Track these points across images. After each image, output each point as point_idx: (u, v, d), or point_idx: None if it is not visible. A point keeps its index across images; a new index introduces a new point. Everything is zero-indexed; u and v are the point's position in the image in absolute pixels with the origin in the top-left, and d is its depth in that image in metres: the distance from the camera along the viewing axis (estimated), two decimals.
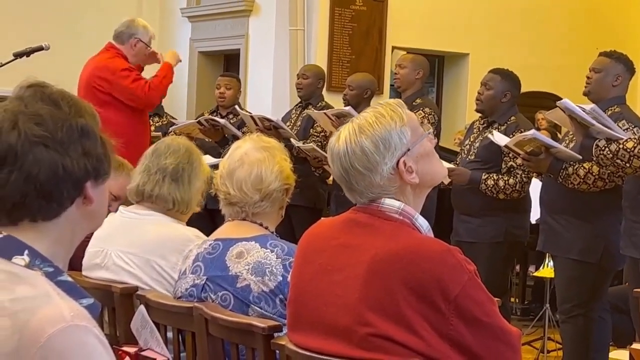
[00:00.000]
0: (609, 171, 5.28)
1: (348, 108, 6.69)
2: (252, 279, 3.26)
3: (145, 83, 6.93)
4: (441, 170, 2.78)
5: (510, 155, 5.88)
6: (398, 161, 2.62)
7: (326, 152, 6.94)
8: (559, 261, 5.68)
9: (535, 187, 6.08)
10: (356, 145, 2.61)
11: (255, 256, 3.28)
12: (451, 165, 6.05)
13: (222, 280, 3.30)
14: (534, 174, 5.85)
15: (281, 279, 3.24)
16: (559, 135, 8.62)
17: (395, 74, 7.10)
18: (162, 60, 7.23)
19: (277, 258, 3.28)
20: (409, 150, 2.63)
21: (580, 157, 5.33)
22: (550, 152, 5.44)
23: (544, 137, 5.53)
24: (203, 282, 3.34)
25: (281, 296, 3.22)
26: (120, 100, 6.89)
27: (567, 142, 5.61)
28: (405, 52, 8.86)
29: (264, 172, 3.39)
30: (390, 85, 10.23)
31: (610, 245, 5.41)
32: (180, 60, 7.52)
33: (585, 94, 5.53)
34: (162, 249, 3.75)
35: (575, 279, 5.53)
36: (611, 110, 5.39)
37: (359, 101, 7.14)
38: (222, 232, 3.46)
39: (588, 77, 5.57)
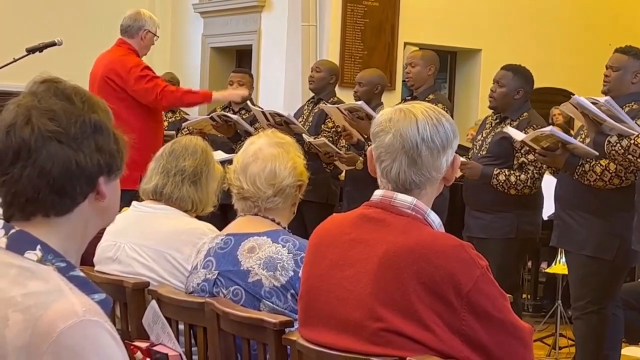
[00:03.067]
0: (629, 170, 5.26)
1: (360, 102, 6.69)
2: (264, 273, 3.26)
3: (160, 86, 6.96)
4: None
5: (522, 151, 5.87)
6: (454, 154, 2.69)
7: (337, 148, 6.99)
8: (573, 257, 5.65)
9: (548, 183, 6.07)
10: (438, 122, 2.66)
11: (267, 251, 3.29)
12: (464, 159, 6.05)
13: (233, 275, 3.31)
14: (548, 170, 5.84)
15: (292, 274, 3.24)
16: (571, 132, 8.59)
17: (407, 72, 7.10)
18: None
19: (288, 253, 3.28)
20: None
21: (597, 154, 5.31)
22: (566, 148, 5.42)
23: (562, 133, 5.50)
24: (215, 276, 3.35)
25: (292, 291, 3.23)
26: (133, 97, 6.92)
27: (583, 136, 5.59)
28: (416, 48, 8.83)
29: (278, 168, 3.40)
30: (403, 81, 10.23)
31: (625, 242, 5.38)
32: (239, 102, 7.66)
33: (604, 93, 5.49)
34: (176, 241, 3.76)
35: (589, 276, 5.51)
36: (629, 106, 5.37)
37: (370, 97, 7.14)
38: (234, 227, 3.47)
39: (606, 76, 5.53)
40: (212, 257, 3.39)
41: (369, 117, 6.42)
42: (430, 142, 2.62)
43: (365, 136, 6.65)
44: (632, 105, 5.40)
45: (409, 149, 2.62)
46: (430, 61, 7.02)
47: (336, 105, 6.89)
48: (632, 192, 5.31)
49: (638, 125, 5.21)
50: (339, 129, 7.04)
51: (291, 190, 3.43)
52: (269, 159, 3.41)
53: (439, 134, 2.64)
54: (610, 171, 5.33)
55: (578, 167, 5.41)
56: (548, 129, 5.46)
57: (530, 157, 5.82)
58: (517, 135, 5.71)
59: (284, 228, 3.45)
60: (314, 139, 7.08)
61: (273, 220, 3.43)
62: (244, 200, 3.44)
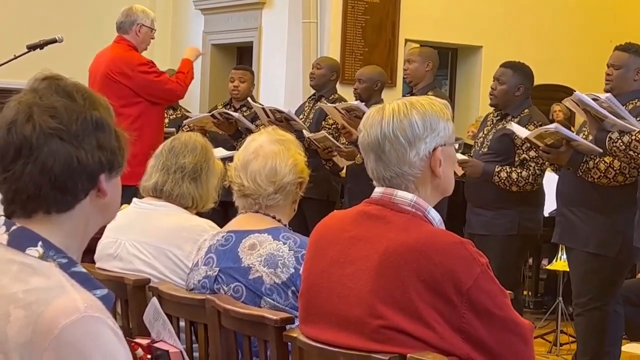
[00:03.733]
0: (631, 166, 5.25)
1: (357, 102, 6.71)
2: (265, 270, 3.27)
3: (173, 82, 7.03)
4: (453, 183, 2.78)
5: (524, 147, 5.87)
6: (436, 148, 2.65)
7: (338, 143, 6.97)
8: (575, 254, 5.64)
9: (550, 180, 6.07)
10: (405, 116, 2.64)
11: (268, 248, 3.29)
12: (465, 157, 6.05)
13: (234, 272, 3.31)
14: (549, 166, 5.83)
15: (293, 271, 3.25)
16: (572, 129, 8.60)
17: (405, 69, 7.11)
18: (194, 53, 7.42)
19: (289, 250, 3.28)
20: (445, 144, 2.67)
21: (601, 151, 5.30)
22: (570, 145, 5.42)
23: (566, 130, 5.50)
24: (215, 273, 3.35)
25: (293, 288, 3.23)
26: (135, 94, 6.92)
27: (586, 133, 5.59)
28: (417, 45, 8.83)
29: (279, 165, 3.40)
30: (403, 78, 10.23)
31: (628, 239, 5.38)
32: (202, 54, 7.63)
33: (607, 91, 5.48)
34: (177, 238, 3.76)
35: (591, 273, 5.51)
36: (632, 104, 5.37)
37: (370, 94, 7.14)
38: (235, 224, 3.47)
39: (608, 74, 5.53)
40: (213, 254, 3.40)
41: None
42: (392, 137, 2.62)
43: None
44: (636, 102, 5.40)
45: (373, 145, 2.65)
46: (427, 57, 7.02)
47: (334, 105, 6.89)
48: (635, 189, 5.31)
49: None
50: (339, 126, 7.04)
51: (292, 188, 3.43)
52: (270, 156, 3.41)
53: (403, 129, 2.62)
54: (615, 168, 5.33)
55: (582, 164, 5.40)
56: (552, 125, 5.46)
57: (532, 153, 5.82)
58: (521, 132, 5.71)
59: (285, 225, 3.46)
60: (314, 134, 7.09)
61: (274, 218, 3.43)
62: (245, 197, 3.44)
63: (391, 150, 2.62)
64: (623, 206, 5.42)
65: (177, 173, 3.87)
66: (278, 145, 3.44)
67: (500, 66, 6.18)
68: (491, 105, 6.21)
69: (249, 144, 3.48)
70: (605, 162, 5.34)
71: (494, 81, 6.13)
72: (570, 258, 5.81)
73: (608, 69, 5.54)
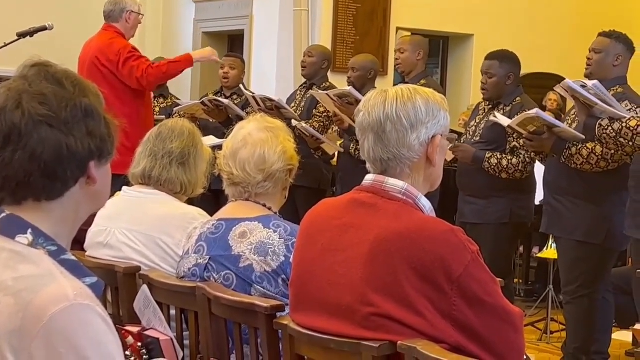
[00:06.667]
0: (612, 151, 5.28)
1: (349, 88, 6.70)
2: (255, 259, 3.27)
3: (147, 63, 6.95)
4: (441, 177, 2.80)
5: (514, 135, 5.88)
6: (435, 135, 2.66)
7: (329, 133, 6.95)
8: (563, 243, 5.68)
9: (540, 168, 6.08)
10: (409, 99, 2.65)
11: (258, 236, 3.29)
12: (456, 142, 6.05)
13: (225, 260, 3.31)
14: (536, 157, 5.84)
15: (284, 259, 3.25)
16: (563, 116, 8.62)
17: (396, 59, 7.11)
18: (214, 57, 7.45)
19: (279, 238, 3.28)
20: (442, 135, 2.69)
21: (584, 137, 5.33)
22: (553, 132, 5.44)
23: (547, 116, 5.52)
24: (206, 261, 3.35)
25: (284, 276, 3.23)
26: (122, 81, 6.89)
27: (570, 122, 5.61)
28: (408, 34, 8.82)
29: (267, 153, 3.39)
30: (395, 66, 10.22)
31: (614, 226, 5.41)
32: (217, 61, 7.59)
33: (586, 76, 5.52)
34: (167, 226, 3.76)
35: (579, 260, 5.54)
36: (614, 90, 5.39)
37: (364, 82, 7.14)
38: (225, 212, 3.47)
39: (588, 58, 5.57)
40: (203, 242, 3.39)
41: (359, 102, 6.40)
42: (394, 118, 2.63)
43: None
44: (617, 89, 5.43)
45: (374, 125, 2.65)
46: (418, 46, 7.01)
47: (325, 92, 6.88)
48: (619, 175, 5.34)
49: (622, 107, 5.23)
50: (331, 114, 7.04)
51: (281, 175, 3.43)
52: (258, 144, 3.40)
53: (407, 111, 2.63)
54: (597, 154, 5.35)
55: (565, 151, 5.42)
56: (533, 111, 5.47)
57: (522, 141, 5.83)
58: (504, 121, 5.72)
59: (275, 213, 3.45)
60: (305, 123, 7.08)
61: (264, 206, 3.43)
62: (235, 185, 3.44)
63: (392, 130, 2.63)
64: (608, 193, 5.45)
65: (164, 158, 3.85)
66: (266, 132, 3.43)
67: (486, 59, 6.15)
68: (485, 99, 6.20)
69: (238, 132, 3.48)
70: (587, 148, 5.37)
71: (483, 75, 6.12)
72: (558, 247, 5.83)
73: (589, 54, 5.57)
